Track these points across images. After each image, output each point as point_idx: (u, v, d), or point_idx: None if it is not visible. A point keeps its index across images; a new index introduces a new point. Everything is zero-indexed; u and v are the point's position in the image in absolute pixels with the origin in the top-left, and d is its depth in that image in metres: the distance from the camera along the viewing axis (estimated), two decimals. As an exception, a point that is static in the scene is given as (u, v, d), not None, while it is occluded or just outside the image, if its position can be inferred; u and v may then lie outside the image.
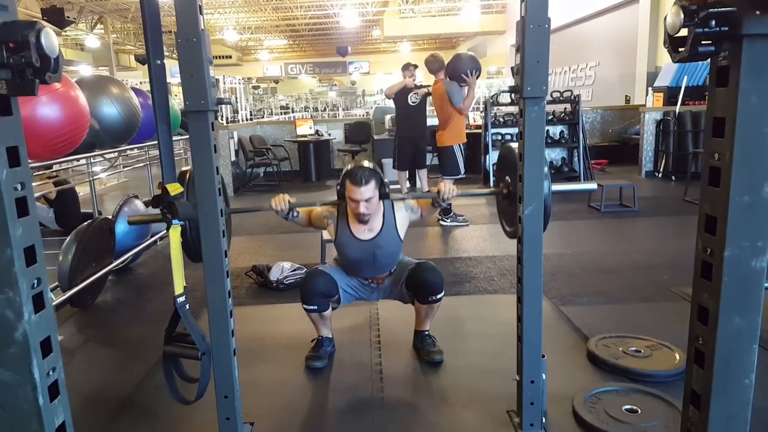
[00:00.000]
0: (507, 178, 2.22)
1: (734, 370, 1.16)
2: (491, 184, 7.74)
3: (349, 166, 2.53)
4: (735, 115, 1.07)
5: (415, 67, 6.44)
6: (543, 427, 2.10)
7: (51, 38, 1.06)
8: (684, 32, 1.06)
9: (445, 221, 5.81)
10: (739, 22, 1.00)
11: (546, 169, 1.96)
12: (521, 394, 2.08)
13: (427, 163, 6.72)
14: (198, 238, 1.92)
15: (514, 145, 2.07)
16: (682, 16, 1.04)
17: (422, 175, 6.65)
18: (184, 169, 2.00)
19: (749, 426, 1.19)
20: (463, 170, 5.77)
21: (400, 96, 6.27)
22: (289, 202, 2.36)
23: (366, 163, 2.52)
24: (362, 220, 2.59)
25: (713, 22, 1.02)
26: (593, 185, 2.37)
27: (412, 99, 6.26)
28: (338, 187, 2.56)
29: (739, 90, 1.06)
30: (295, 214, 2.48)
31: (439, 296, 2.71)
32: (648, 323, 3.12)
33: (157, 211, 1.88)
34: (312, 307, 2.71)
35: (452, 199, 2.42)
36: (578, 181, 7.91)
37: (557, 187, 2.04)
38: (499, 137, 8.19)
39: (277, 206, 2.35)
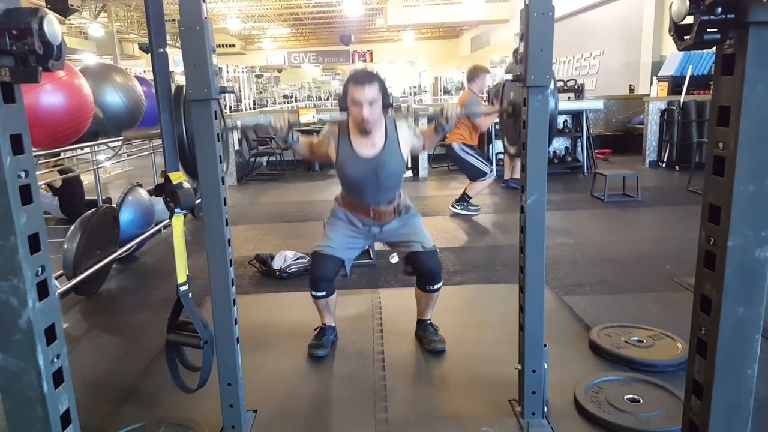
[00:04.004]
0: (511, 94, 2.13)
1: (737, 360, 1.16)
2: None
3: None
4: (740, 104, 1.06)
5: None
6: (545, 416, 2.11)
7: (53, 25, 1.05)
8: (689, 20, 1.05)
9: (456, 209, 5.76)
10: (745, 10, 0.99)
11: (552, 86, 1.90)
12: (523, 384, 2.08)
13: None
14: (194, 155, 1.88)
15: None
16: (688, 3, 1.03)
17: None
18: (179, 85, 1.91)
19: (751, 416, 1.19)
20: (488, 169, 5.66)
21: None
22: (288, 121, 2.33)
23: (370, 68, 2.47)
24: (365, 128, 2.44)
25: (719, 10, 1.01)
26: (599, 103, 2.27)
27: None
28: (340, 100, 2.46)
29: (744, 78, 1.05)
30: (294, 137, 2.43)
31: (436, 286, 2.71)
32: (650, 313, 3.12)
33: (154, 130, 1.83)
34: (321, 294, 2.71)
35: (455, 119, 2.35)
36: (581, 169, 7.91)
37: (564, 106, 1.99)
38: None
39: (277, 123, 2.31)
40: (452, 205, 5.82)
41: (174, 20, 1.86)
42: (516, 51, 1.93)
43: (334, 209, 2.78)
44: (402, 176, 2.68)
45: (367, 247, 4.13)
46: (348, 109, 2.44)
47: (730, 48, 1.08)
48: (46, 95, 3.04)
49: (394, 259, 4.01)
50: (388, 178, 2.58)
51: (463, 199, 5.77)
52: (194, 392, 2.00)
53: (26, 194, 1.12)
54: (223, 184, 1.91)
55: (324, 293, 2.72)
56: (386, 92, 2.43)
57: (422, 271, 2.68)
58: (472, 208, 5.79)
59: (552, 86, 1.90)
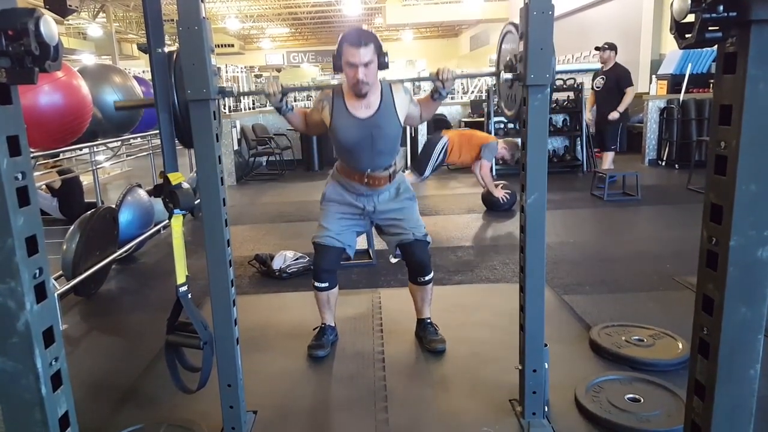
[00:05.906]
0: (507, 58, 2.11)
1: (739, 360, 1.15)
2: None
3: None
4: (742, 103, 1.05)
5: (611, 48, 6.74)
6: (545, 416, 2.11)
7: (50, 26, 1.05)
8: (691, 18, 1.04)
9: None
10: (747, 8, 0.99)
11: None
12: (524, 383, 2.08)
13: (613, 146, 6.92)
14: (187, 122, 1.85)
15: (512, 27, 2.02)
16: (689, 1, 1.02)
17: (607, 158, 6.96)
18: (171, 49, 1.88)
19: (754, 417, 1.19)
20: (426, 173, 5.77)
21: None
22: (282, 86, 2.25)
23: (365, 26, 2.40)
24: (360, 90, 2.36)
25: (721, 8, 1.00)
26: (597, 65, 2.30)
27: (597, 83, 6.77)
28: (334, 58, 2.35)
29: (746, 77, 1.04)
30: (289, 106, 2.37)
31: (427, 278, 2.72)
32: (651, 312, 3.12)
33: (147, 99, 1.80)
34: (323, 285, 2.72)
35: (452, 82, 2.25)
36: (581, 167, 7.91)
37: (561, 67, 2.01)
38: (502, 126, 8.16)
39: (270, 88, 2.23)
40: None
41: (172, 20, 1.85)
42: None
43: (325, 192, 2.73)
44: (398, 142, 2.60)
45: (367, 248, 4.15)
46: (342, 69, 2.35)
47: (731, 46, 1.07)
48: (45, 96, 3.03)
49: (394, 259, 4.01)
50: (383, 141, 2.51)
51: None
52: (194, 393, 1.99)
53: (23, 196, 1.11)
54: (222, 184, 1.90)
55: (327, 284, 2.72)
56: (382, 52, 2.32)
57: (412, 262, 2.69)
58: None
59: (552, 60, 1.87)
